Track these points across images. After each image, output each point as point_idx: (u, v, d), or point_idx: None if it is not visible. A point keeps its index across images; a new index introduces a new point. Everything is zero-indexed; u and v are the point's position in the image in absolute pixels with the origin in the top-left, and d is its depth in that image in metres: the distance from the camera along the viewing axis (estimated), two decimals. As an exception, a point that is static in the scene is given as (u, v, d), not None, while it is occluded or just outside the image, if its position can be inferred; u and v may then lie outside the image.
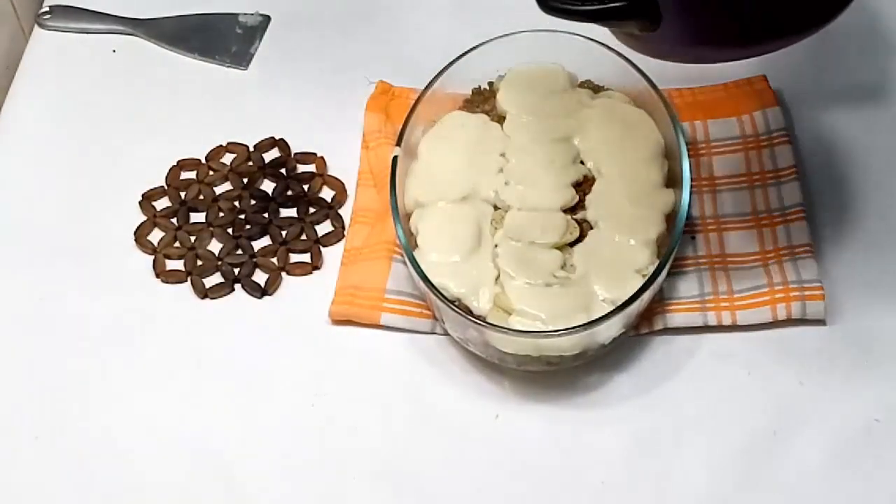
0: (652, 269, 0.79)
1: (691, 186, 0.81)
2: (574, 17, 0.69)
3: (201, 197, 0.90)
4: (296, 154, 0.92)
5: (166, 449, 0.80)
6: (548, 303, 0.79)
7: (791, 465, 0.77)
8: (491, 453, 0.79)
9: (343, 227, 0.89)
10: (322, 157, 0.92)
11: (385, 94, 0.93)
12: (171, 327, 0.85)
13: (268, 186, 0.91)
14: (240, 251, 0.88)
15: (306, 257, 0.87)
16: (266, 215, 0.89)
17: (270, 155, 0.92)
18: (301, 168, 0.92)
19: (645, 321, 0.82)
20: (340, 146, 0.92)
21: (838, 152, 0.89)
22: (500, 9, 0.93)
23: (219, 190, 0.91)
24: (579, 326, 0.76)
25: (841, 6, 0.68)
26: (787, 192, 0.86)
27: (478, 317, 0.78)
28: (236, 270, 0.87)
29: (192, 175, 0.92)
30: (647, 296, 0.78)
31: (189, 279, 0.87)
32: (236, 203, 0.90)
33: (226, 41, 0.99)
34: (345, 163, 0.91)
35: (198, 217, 0.90)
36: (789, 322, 0.81)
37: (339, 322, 0.84)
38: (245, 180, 0.91)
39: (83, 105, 0.96)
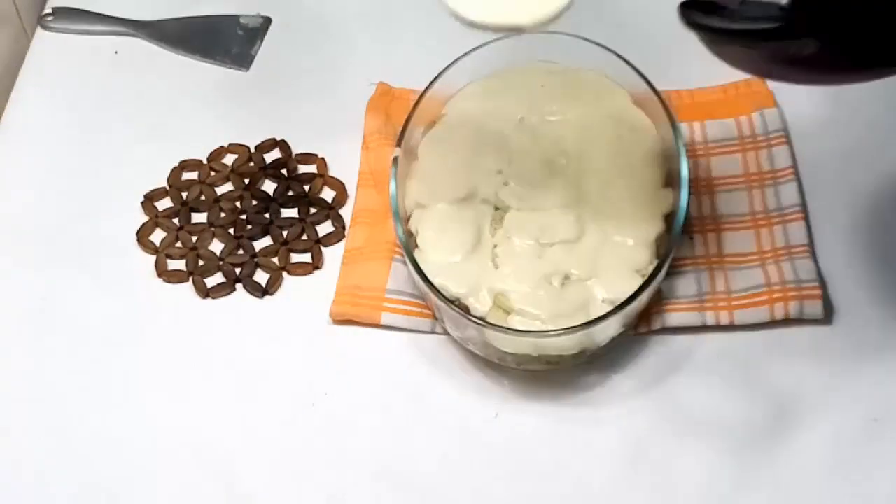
0: (651, 269, 0.79)
1: (690, 187, 0.81)
2: (721, 37, 0.65)
3: (203, 197, 0.91)
4: (297, 155, 0.93)
5: (167, 448, 0.80)
6: (548, 303, 0.79)
7: (790, 464, 0.77)
8: (491, 453, 0.79)
9: (344, 228, 0.89)
10: (323, 158, 0.92)
11: (385, 96, 0.93)
12: (173, 327, 0.85)
13: (269, 187, 0.91)
14: (241, 251, 0.88)
15: (307, 257, 0.88)
16: (267, 215, 0.89)
17: (271, 156, 0.93)
18: (302, 169, 0.92)
19: (644, 321, 0.82)
20: (341, 147, 0.92)
21: (835, 153, 0.90)
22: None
23: (220, 190, 0.91)
24: (579, 326, 0.76)
25: None
26: (784, 192, 0.87)
27: (478, 317, 0.78)
28: (237, 270, 0.87)
29: (193, 175, 0.92)
30: (645, 296, 0.78)
31: (191, 279, 0.87)
32: (238, 203, 0.90)
33: (227, 42, 0.99)
34: (345, 164, 0.91)
35: (199, 217, 0.90)
36: (787, 322, 0.81)
37: (339, 322, 0.84)
38: (246, 181, 0.91)
39: (85, 106, 0.96)
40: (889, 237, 0.86)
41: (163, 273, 0.87)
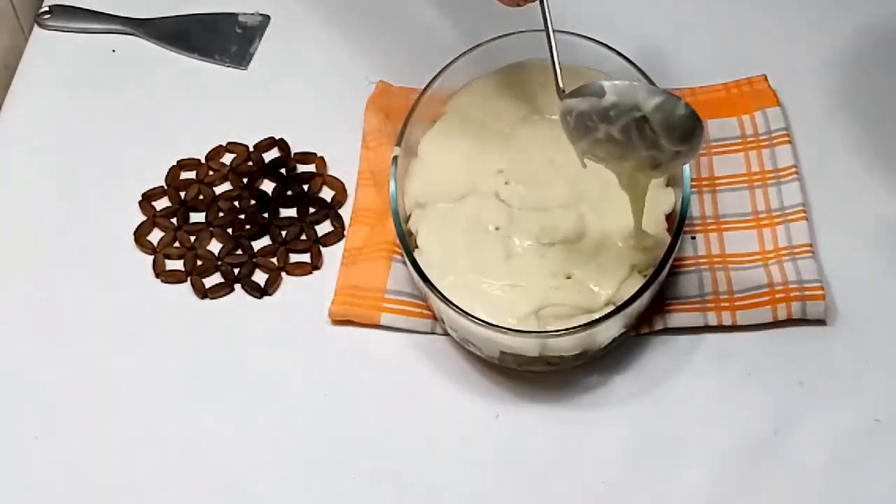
0: (652, 269, 0.79)
1: (691, 186, 0.81)
2: None
3: (201, 197, 0.90)
4: (295, 154, 0.92)
5: (166, 449, 0.80)
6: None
7: (791, 465, 0.77)
8: (491, 453, 0.79)
9: (343, 227, 0.89)
10: (322, 157, 0.92)
11: (385, 94, 0.93)
12: (171, 327, 0.85)
13: (268, 186, 0.91)
14: (239, 251, 0.88)
15: (306, 257, 0.87)
16: (266, 215, 0.89)
17: (270, 155, 0.92)
18: (301, 168, 0.92)
19: (645, 321, 0.82)
20: (340, 146, 0.92)
21: (838, 152, 0.89)
22: (499, 8, 0.93)
23: (218, 190, 0.91)
24: (579, 326, 0.76)
25: None
26: (787, 191, 0.86)
27: (478, 317, 0.78)
28: (236, 270, 0.87)
29: (191, 175, 0.92)
30: (647, 296, 0.78)
31: (189, 279, 0.87)
32: (236, 203, 0.90)
33: (226, 41, 0.99)
34: (345, 163, 0.91)
35: (197, 217, 0.90)
36: (789, 322, 0.81)
37: (339, 322, 0.84)
38: (245, 180, 0.91)
39: (83, 105, 0.96)
40: (892, 237, 0.85)
41: (161, 273, 0.87)
